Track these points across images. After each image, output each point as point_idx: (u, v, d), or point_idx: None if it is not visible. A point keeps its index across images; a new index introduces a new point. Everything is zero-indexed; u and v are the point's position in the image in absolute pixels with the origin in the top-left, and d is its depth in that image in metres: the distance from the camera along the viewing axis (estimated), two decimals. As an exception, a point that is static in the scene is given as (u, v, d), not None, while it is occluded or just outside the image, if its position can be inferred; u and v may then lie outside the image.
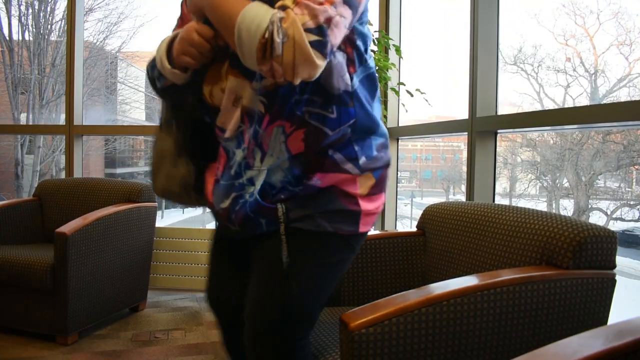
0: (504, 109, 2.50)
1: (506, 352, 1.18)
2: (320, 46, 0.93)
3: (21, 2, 10.51)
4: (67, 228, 2.39)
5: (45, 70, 10.61)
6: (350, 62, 1.11)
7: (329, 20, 0.94)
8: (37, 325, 2.47)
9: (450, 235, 1.68)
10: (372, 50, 2.56)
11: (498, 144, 2.45)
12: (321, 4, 0.95)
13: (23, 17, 10.65)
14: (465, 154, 2.52)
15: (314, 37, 0.92)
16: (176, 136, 1.29)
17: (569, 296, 1.23)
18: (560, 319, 1.24)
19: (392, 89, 2.75)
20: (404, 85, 2.73)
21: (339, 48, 1.09)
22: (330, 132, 1.11)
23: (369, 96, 1.17)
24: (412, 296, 1.13)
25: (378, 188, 1.20)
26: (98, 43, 11.19)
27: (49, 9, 10.79)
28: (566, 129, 4.05)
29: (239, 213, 1.15)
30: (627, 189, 5.28)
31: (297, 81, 0.97)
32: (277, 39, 0.91)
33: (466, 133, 2.49)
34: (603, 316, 1.30)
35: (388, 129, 3.32)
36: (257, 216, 1.14)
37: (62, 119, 3.94)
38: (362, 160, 1.15)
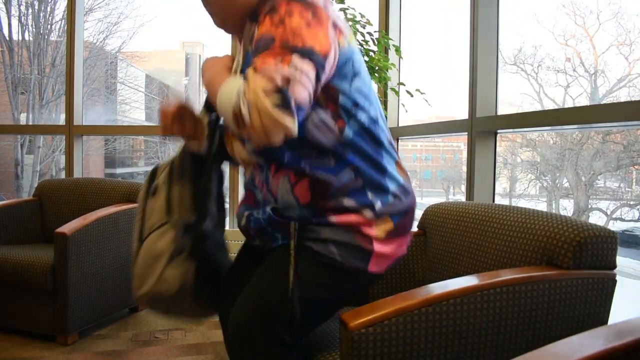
0: (503, 109, 2.50)
1: (506, 352, 1.18)
2: (284, 106, 0.96)
3: (21, 2, 10.50)
4: (67, 228, 2.39)
5: (45, 70, 10.60)
6: (336, 117, 1.14)
7: (286, 80, 0.97)
8: (37, 325, 2.47)
9: (451, 235, 1.68)
10: (372, 50, 2.56)
11: (498, 144, 2.45)
12: (277, 65, 0.98)
13: (23, 17, 10.64)
14: (465, 154, 2.52)
15: (275, 100, 0.95)
16: (194, 188, 1.32)
17: (569, 296, 1.23)
18: (561, 319, 1.24)
19: (392, 89, 2.75)
20: (404, 85, 2.73)
21: (320, 105, 1.12)
22: (334, 180, 1.15)
23: (372, 145, 1.19)
24: (412, 296, 1.13)
25: (397, 233, 1.20)
26: (98, 43, 11.18)
27: (48, 9, 10.78)
28: (566, 129, 4.05)
29: (255, 226, 1.22)
30: (627, 189, 5.28)
31: (277, 142, 1.00)
32: (244, 110, 0.96)
33: (466, 133, 2.49)
34: (603, 316, 1.30)
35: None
36: (273, 230, 1.19)
37: (62, 119, 3.94)
38: (378, 205, 1.17)
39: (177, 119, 1.23)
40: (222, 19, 1.27)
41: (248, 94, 0.96)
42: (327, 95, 1.12)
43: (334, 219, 1.16)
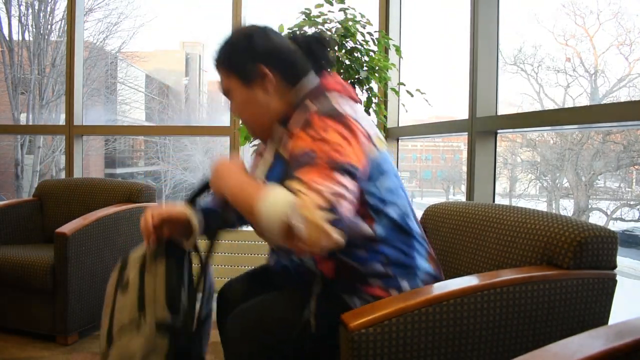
0: (504, 109, 2.50)
1: (506, 352, 1.18)
2: (335, 222, 1.00)
3: (21, 2, 10.50)
4: (67, 228, 2.39)
5: (45, 71, 10.60)
6: (365, 216, 1.19)
7: (337, 197, 1.01)
8: (37, 325, 2.47)
9: (451, 235, 1.68)
10: (372, 50, 2.56)
11: (498, 144, 2.45)
12: (326, 183, 1.02)
13: (23, 17, 10.63)
14: (465, 154, 2.52)
15: (328, 216, 0.99)
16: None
17: (570, 296, 1.23)
18: (561, 319, 1.23)
19: (392, 89, 2.75)
20: (404, 85, 2.73)
21: None
22: (362, 268, 1.20)
23: (403, 237, 1.24)
24: (412, 296, 1.13)
25: None
26: (98, 43, 11.17)
27: (48, 9, 10.77)
28: (566, 129, 4.05)
29: (280, 269, 1.32)
30: (627, 189, 5.28)
31: (323, 251, 1.04)
32: (299, 225, 0.98)
33: (466, 133, 2.49)
34: (604, 316, 1.30)
35: (388, 129, 3.34)
36: (299, 276, 1.26)
37: (62, 119, 3.94)
38: (405, 286, 1.22)
39: (158, 229, 1.32)
40: (253, 130, 1.35)
41: (302, 209, 0.98)
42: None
43: (361, 287, 1.21)
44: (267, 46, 1.27)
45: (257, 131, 1.35)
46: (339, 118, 1.13)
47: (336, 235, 1.00)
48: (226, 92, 1.33)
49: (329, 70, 1.35)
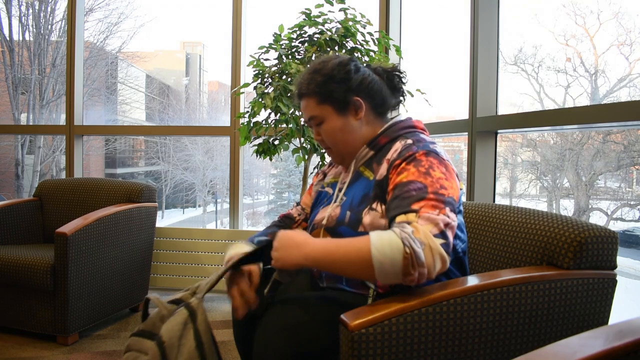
0: (504, 109, 2.50)
1: (506, 353, 1.18)
2: (446, 247, 1.10)
3: (21, 2, 10.50)
4: (68, 228, 2.40)
5: (46, 71, 10.60)
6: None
7: (447, 225, 1.12)
8: (37, 325, 2.47)
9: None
10: (372, 51, 2.56)
11: (498, 144, 2.45)
12: (438, 214, 1.12)
13: (23, 18, 10.64)
14: (465, 154, 2.52)
15: (440, 241, 1.09)
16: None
17: (570, 296, 1.23)
18: (561, 319, 1.23)
19: (393, 89, 2.75)
20: (405, 85, 2.73)
21: None
22: (416, 289, 1.22)
23: (460, 273, 1.35)
24: (412, 296, 1.12)
25: None
26: (98, 43, 11.17)
27: (49, 9, 10.77)
28: (566, 129, 4.05)
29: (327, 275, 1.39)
30: (627, 189, 5.27)
31: (434, 275, 1.10)
32: (417, 249, 1.05)
33: (466, 133, 2.49)
34: (604, 316, 1.30)
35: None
36: (348, 285, 1.33)
37: (62, 119, 3.95)
38: None
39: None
40: (341, 155, 1.43)
41: (419, 234, 1.07)
42: None
43: None
44: (361, 79, 1.37)
45: (346, 156, 1.42)
46: (439, 158, 1.25)
47: (447, 258, 1.10)
48: (314, 120, 1.40)
49: (403, 99, 1.52)
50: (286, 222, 1.60)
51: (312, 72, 1.38)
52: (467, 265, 1.38)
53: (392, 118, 1.44)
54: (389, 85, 1.44)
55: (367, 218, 1.27)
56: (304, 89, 1.38)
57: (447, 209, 1.15)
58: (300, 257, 1.16)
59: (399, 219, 1.13)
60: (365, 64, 1.45)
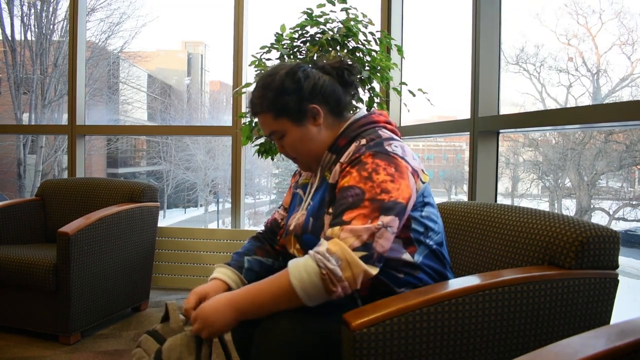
0: (505, 109, 2.50)
1: (508, 352, 1.18)
2: (367, 258, 1.11)
3: (23, 2, 10.52)
4: (70, 228, 2.40)
5: (48, 70, 10.61)
6: (407, 244, 1.27)
7: (372, 236, 1.12)
8: (39, 324, 2.48)
9: (453, 235, 1.68)
10: (374, 50, 2.56)
11: (500, 143, 2.45)
12: (365, 224, 1.13)
13: (25, 18, 10.65)
14: (467, 154, 2.52)
15: (361, 254, 1.11)
16: None
17: (571, 296, 1.23)
18: (563, 319, 1.23)
19: (394, 88, 2.74)
20: (406, 85, 2.73)
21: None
22: (397, 289, 1.26)
23: (438, 268, 1.32)
24: (413, 296, 1.13)
25: None
26: (100, 43, 11.17)
27: (51, 9, 10.78)
28: (568, 129, 4.04)
29: None
30: (629, 188, 5.26)
31: (359, 285, 1.13)
32: (331, 265, 1.09)
33: (468, 133, 2.49)
34: (605, 316, 1.30)
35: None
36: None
37: (64, 119, 3.96)
38: None
39: None
40: (308, 163, 1.41)
41: (335, 247, 1.10)
42: (402, 225, 1.23)
43: None
44: (312, 85, 1.33)
45: (312, 164, 1.40)
46: (389, 158, 1.22)
47: (371, 270, 1.12)
48: (274, 134, 1.37)
49: (357, 92, 1.45)
50: (273, 230, 1.58)
51: (261, 87, 1.35)
52: (445, 255, 1.35)
53: (353, 115, 1.40)
54: (340, 81, 1.38)
55: (326, 224, 1.26)
56: (257, 107, 1.35)
57: (382, 216, 1.14)
58: (231, 318, 1.18)
59: (328, 232, 1.16)
60: (312, 65, 1.41)
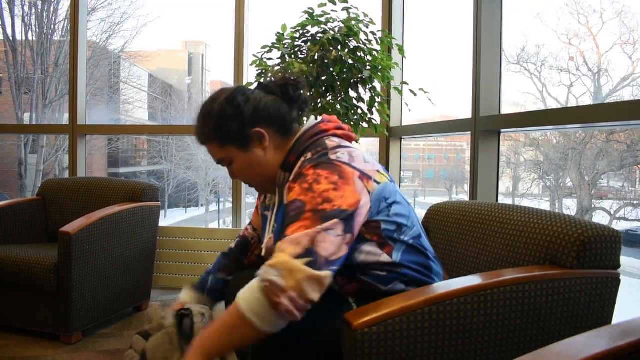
0: (507, 109, 2.50)
1: (509, 352, 1.18)
2: (312, 264, 1.05)
3: (24, 2, 10.53)
4: (71, 227, 2.40)
5: (49, 70, 10.62)
6: (382, 245, 1.24)
7: (312, 240, 1.07)
8: (41, 324, 2.48)
9: (454, 234, 1.68)
10: (375, 50, 2.55)
11: (501, 143, 2.45)
12: (305, 231, 1.08)
13: (26, 18, 10.67)
14: (467, 154, 2.53)
15: (305, 260, 1.05)
16: None
17: (573, 296, 1.23)
18: (564, 319, 1.23)
19: (395, 88, 2.74)
20: (407, 84, 2.73)
21: (365, 239, 1.22)
22: (383, 287, 1.24)
23: (420, 260, 1.29)
24: (415, 295, 1.13)
25: None
26: (101, 43, 11.19)
27: (52, 9, 10.80)
28: (569, 129, 4.04)
29: None
30: (630, 188, 5.26)
31: (316, 298, 1.06)
32: (274, 277, 1.04)
33: (469, 132, 2.49)
34: (607, 316, 1.30)
35: (391, 128, 3.33)
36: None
37: (65, 119, 3.97)
38: None
39: None
40: (262, 187, 1.39)
41: (275, 260, 1.06)
42: (369, 229, 1.22)
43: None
44: (253, 108, 1.30)
45: (266, 186, 1.39)
46: (332, 167, 1.19)
47: (319, 274, 1.05)
48: (222, 162, 1.35)
49: (305, 106, 1.40)
50: (243, 248, 1.60)
51: (203, 117, 1.32)
52: (425, 246, 1.32)
53: (301, 128, 1.37)
54: (285, 99, 1.35)
55: None
56: (201, 136, 1.33)
57: (325, 223, 1.09)
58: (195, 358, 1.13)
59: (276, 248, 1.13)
60: (255, 86, 1.39)
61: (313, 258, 1.06)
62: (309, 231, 1.08)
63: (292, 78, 1.38)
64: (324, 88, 2.50)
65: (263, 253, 1.37)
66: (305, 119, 1.45)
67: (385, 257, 1.23)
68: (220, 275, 1.54)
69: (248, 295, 1.07)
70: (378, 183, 1.24)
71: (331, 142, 1.28)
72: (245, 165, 1.32)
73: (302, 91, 1.38)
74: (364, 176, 1.21)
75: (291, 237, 1.09)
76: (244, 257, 1.59)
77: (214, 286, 1.52)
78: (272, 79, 1.39)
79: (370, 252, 1.22)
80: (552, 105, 5.47)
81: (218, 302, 1.54)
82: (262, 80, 1.41)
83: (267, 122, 1.31)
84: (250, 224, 1.63)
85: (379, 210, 1.23)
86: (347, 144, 1.31)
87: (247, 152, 1.30)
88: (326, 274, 1.06)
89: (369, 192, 1.20)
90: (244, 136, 1.29)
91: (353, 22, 2.48)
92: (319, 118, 1.38)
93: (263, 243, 1.39)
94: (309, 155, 1.25)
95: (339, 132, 1.35)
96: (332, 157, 1.21)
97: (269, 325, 1.06)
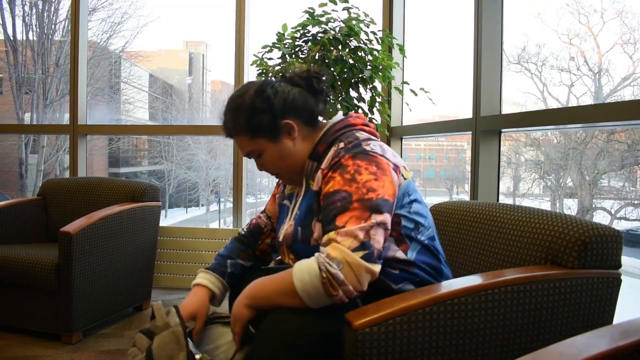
0: (507, 108, 2.50)
1: (511, 352, 1.18)
2: (369, 257, 1.11)
3: (25, 2, 10.53)
4: (72, 227, 2.40)
5: (49, 70, 10.62)
6: (399, 242, 1.27)
7: (367, 234, 1.13)
8: (41, 324, 2.48)
9: (455, 234, 1.68)
10: (376, 50, 2.55)
11: (502, 143, 2.45)
12: (359, 224, 1.13)
13: (27, 17, 10.67)
14: (468, 153, 2.53)
15: (361, 253, 1.11)
16: None
17: (574, 296, 1.23)
18: (565, 319, 1.23)
19: (396, 88, 2.74)
20: (408, 84, 2.73)
21: None
22: (394, 286, 1.26)
23: (432, 262, 1.31)
24: (416, 295, 1.13)
25: None
26: (102, 43, 11.19)
27: (52, 9, 10.80)
28: (570, 128, 4.04)
29: None
30: (631, 188, 5.26)
31: (366, 288, 1.13)
32: (333, 270, 1.09)
33: (470, 132, 2.48)
34: (608, 316, 1.30)
35: (391, 128, 3.33)
36: None
37: (65, 119, 3.97)
38: None
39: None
40: (290, 177, 1.42)
41: (335, 252, 1.10)
42: (392, 223, 1.23)
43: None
44: (282, 100, 1.33)
45: (294, 177, 1.41)
46: (369, 158, 1.22)
47: (374, 268, 1.12)
48: (252, 154, 1.38)
49: (328, 98, 1.45)
50: (256, 235, 1.59)
51: (232, 110, 1.34)
52: (438, 249, 1.35)
53: (330, 120, 1.40)
54: (310, 91, 1.38)
55: (316, 231, 1.28)
56: (232, 130, 1.35)
57: (373, 214, 1.14)
58: (241, 304, 1.23)
59: (324, 239, 1.16)
60: (280, 79, 1.41)
61: (369, 251, 1.11)
62: (364, 225, 1.13)
63: (315, 71, 1.40)
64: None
65: (281, 238, 1.39)
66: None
67: (400, 254, 1.25)
68: (239, 261, 1.53)
69: (307, 278, 1.11)
70: (405, 178, 1.28)
71: (361, 134, 1.31)
72: (276, 156, 1.35)
73: (325, 82, 1.41)
74: (396, 168, 1.26)
75: (347, 229, 1.12)
76: (255, 245, 1.59)
77: (233, 271, 1.51)
78: (293, 72, 1.41)
79: (387, 247, 1.23)
80: (553, 105, 5.47)
81: (233, 287, 1.52)
82: (285, 73, 1.42)
83: (296, 113, 1.34)
84: (264, 212, 1.63)
85: (402, 205, 1.26)
86: (375, 138, 1.34)
87: (277, 143, 1.33)
88: (379, 267, 1.13)
89: (398, 185, 1.25)
90: (274, 128, 1.32)
91: (354, 22, 2.48)
92: (340, 112, 1.42)
93: (281, 230, 1.41)
94: (341, 144, 1.28)
95: (366, 128, 1.38)
96: (367, 148, 1.25)
97: (318, 305, 1.13)
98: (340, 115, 1.41)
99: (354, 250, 1.10)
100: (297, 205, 1.39)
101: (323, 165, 1.28)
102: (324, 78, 1.40)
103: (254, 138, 1.33)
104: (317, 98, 1.39)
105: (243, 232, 1.61)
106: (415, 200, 1.30)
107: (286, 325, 1.13)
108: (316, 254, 1.13)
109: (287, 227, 1.39)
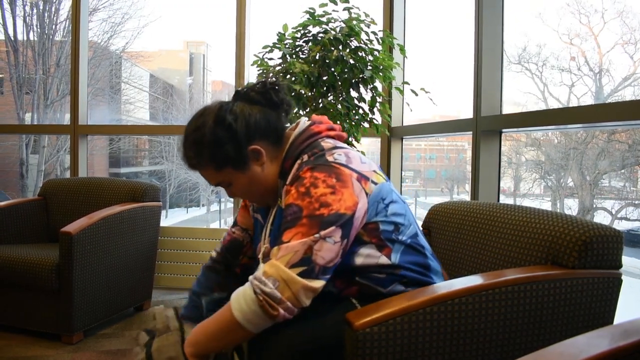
0: (508, 108, 2.50)
1: (511, 352, 1.18)
2: (308, 273, 1.08)
3: (26, 2, 10.54)
4: (72, 227, 2.40)
5: (50, 70, 10.63)
6: (381, 247, 1.22)
7: (309, 249, 1.08)
8: (42, 324, 2.48)
9: (455, 234, 1.68)
10: (376, 50, 2.55)
11: (502, 143, 2.45)
12: (302, 239, 1.09)
13: (28, 18, 10.68)
14: (469, 154, 2.53)
15: (300, 269, 1.07)
16: None
17: (575, 296, 1.23)
18: (566, 319, 1.23)
19: (397, 88, 2.74)
20: (409, 84, 2.73)
21: (363, 241, 1.21)
22: (383, 290, 1.23)
23: (418, 259, 1.28)
24: (416, 296, 1.12)
25: None
26: (102, 43, 11.20)
27: (53, 9, 10.81)
28: (571, 128, 4.04)
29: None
30: (632, 188, 5.26)
31: (309, 303, 1.09)
32: (269, 289, 1.06)
33: (471, 132, 2.48)
34: (609, 316, 1.30)
35: (392, 128, 3.33)
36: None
37: (66, 119, 3.97)
38: None
39: None
40: (262, 200, 1.36)
41: (271, 270, 1.07)
42: (368, 231, 1.21)
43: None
44: (245, 125, 1.24)
45: (267, 199, 1.34)
46: (329, 169, 1.17)
47: (313, 284, 1.08)
48: (221, 184, 1.31)
49: (289, 109, 1.34)
50: (234, 252, 1.51)
51: (193, 144, 1.25)
52: (423, 244, 1.30)
53: (292, 132, 1.31)
54: (270, 105, 1.29)
55: None
56: (196, 165, 1.28)
57: (323, 230, 1.09)
58: (187, 354, 1.17)
59: (264, 252, 1.15)
60: (235, 96, 1.32)
61: (309, 267, 1.08)
62: (306, 239, 1.08)
63: (271, 82, 1.32)
64: (325, 88, 2.51)
65: (259, 256, 1.32)
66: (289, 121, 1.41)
67: (384, 259, 1.21)
68: (215, 296, 1.44)
69: (244, 306, 1.08)
70: (375, 184, 1.22)
71: (326, 143, 1.26)
72: (246, 184, 1.29)
73: (282, 91, 1.32)
74: (362, 177, 1.19)
75: (288, 244, 1.09)
76: (235, 263, 1.50)
77: (212, 309, 1.37)
78: (248, 87, 1.32)
79: (369, 255, 1.21)
80: (554, 105, 5.47)
81: None
82: (239, 88, 1.34)
83: (261, 136, 1.26)
84: (235, 225, 1.54)
85: (377, 212, 1.22)
86: (342, 144, 1.28)
87: (245, 171, 1.26)
88: (321, 283, 1.09)
89: (366, 194, 1.19)
90: (241, 157, 1.25)
91: (354, 22, 2.48)
92: (303, 120, 1.33)
93: (258, 249, 1.36)
94: (305, 157, 1.23)
95: (332, 132, 1.32)
96: (330, 158, 1.19)
97: (260, 329, 1.10)
98: (303, 122, 1.32)
99: (292, 266, 1.07)
100: (270, 223, 1.31)
101: (287, 182, 1.22)
102: (280, 88, 1.32)
103: (220, 170, 1.26)
104: (278, 112, 1.31)
105: (215, 256, 1.52)
106: (391, 202, 1.25)
107: (283, 333, 1.12)
108: (250, 277, 1.10)
109: (264, 246, 1.31)
